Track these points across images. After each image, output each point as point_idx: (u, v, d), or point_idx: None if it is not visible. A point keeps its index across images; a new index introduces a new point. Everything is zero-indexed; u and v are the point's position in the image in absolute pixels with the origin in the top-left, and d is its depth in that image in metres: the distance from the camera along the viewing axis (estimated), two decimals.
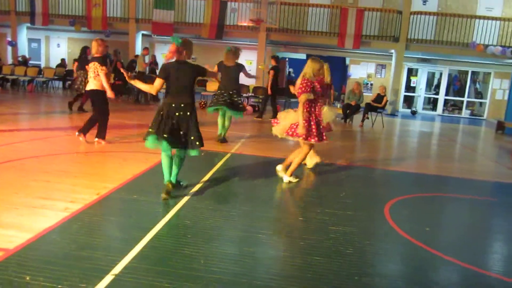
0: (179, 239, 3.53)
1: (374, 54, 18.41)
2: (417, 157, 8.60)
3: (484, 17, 16.04)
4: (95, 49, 6.63)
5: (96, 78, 6.57)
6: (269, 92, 11.06)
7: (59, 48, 21.59)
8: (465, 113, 19.21)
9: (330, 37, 16.71)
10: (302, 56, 20.10)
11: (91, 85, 6.65)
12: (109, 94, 6.60)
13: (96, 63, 6.54)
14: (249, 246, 3.53)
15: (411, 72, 19.61)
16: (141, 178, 5.16)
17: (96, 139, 6.82)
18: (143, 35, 18.52)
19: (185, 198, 4.49)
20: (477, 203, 5.50)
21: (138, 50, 18.07)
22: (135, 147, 6.80)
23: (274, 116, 12.04)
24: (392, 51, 17.10)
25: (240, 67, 7.66)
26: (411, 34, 16.34)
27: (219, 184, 5.14)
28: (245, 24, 16.28)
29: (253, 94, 14.60)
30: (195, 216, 4.08)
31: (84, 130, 6.79)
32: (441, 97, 19.39)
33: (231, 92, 7.46)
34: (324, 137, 5.35)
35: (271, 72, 11.65)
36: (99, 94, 6.66)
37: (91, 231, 3.56)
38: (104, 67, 6.53)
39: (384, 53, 17.85)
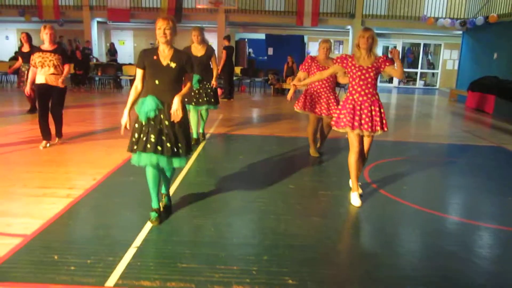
0: (187, 213, 3.76)
1: (331, 31, 18.87)
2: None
3: None
4: (51, 38, 5.70)
5: (56, 72, 5.72)
6: (219, 71, 9.37)
7: (8, 40, 20.63)
8: (419, 84, 20.20)
9: (288, 16, 17.00)
10: (262, 36, 20.29)
11: (55, 81, 5.75)
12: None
13: (58, 55, 5.72)
14: (250, 213, 3.82)
15: None
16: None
17: (58, 139, 6.20)
18: (98, 22, 18.04)
19: (181, 175, 4.71)
20: (443, 164, 6.06)
21: (94, 38, 17.63)
22: (114, 134, 6.87)
23: (229, 96, 12.13)
24: (349, 27, 17.63)
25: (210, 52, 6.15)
26: (366, 10, 16.90)
27: (206, 161, 5.36)
28: (204, 6, 16.24)
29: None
30: (194, 192, 4.31)
31: (59, 134, 6.19)
32: None
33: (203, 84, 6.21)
34: (323, 112, 5.54)
35: (224, 52, 11.81)
36: (64, 90, 5.96)
37: (100, 213, 3.73)
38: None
39: (341, 30, 18.36)
